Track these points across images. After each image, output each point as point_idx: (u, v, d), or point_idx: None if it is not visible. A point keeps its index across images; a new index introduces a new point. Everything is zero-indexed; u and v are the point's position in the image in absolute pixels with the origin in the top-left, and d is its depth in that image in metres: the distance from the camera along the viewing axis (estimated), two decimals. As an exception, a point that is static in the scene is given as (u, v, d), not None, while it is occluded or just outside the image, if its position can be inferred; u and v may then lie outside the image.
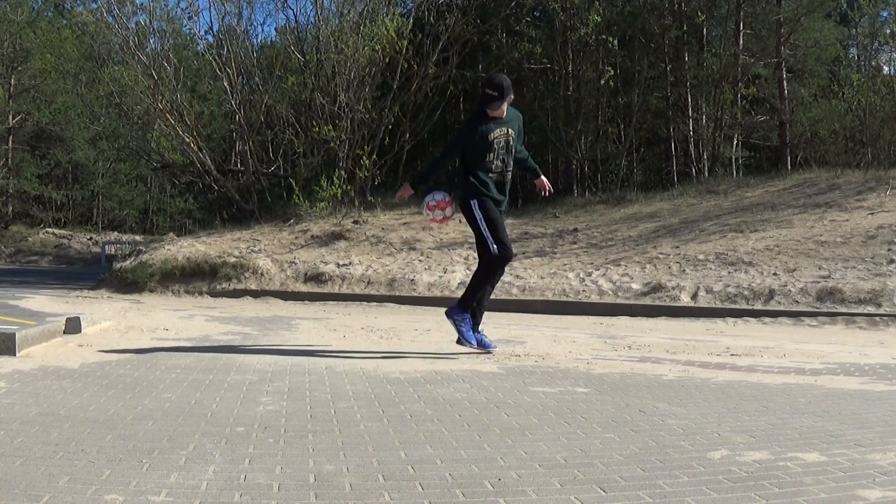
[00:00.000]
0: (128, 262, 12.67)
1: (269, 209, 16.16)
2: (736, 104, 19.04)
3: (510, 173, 4.80)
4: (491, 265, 4.75)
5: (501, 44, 19.03)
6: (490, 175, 4.70)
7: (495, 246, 4.67)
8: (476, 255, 5.04)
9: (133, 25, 16.84)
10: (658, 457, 2.56)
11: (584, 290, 9.29)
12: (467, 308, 4.76)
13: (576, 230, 12.66)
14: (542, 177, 5.15)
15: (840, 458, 2.56)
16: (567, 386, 3.89)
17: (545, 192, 5.14)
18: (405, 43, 15.20)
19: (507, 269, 5.07)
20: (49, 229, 30.39)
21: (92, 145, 31.75)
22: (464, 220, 4.98)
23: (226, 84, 16.78)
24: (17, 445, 2.57)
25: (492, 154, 4.67)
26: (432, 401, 3.45)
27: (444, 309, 4.91)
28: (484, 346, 4.88)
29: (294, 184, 14.62)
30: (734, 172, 19.73)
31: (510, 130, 4.74)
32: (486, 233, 4.68)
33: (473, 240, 4.95)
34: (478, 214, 4.68)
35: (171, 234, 18.03)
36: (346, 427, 2.93)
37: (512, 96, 4.72)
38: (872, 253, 9.14)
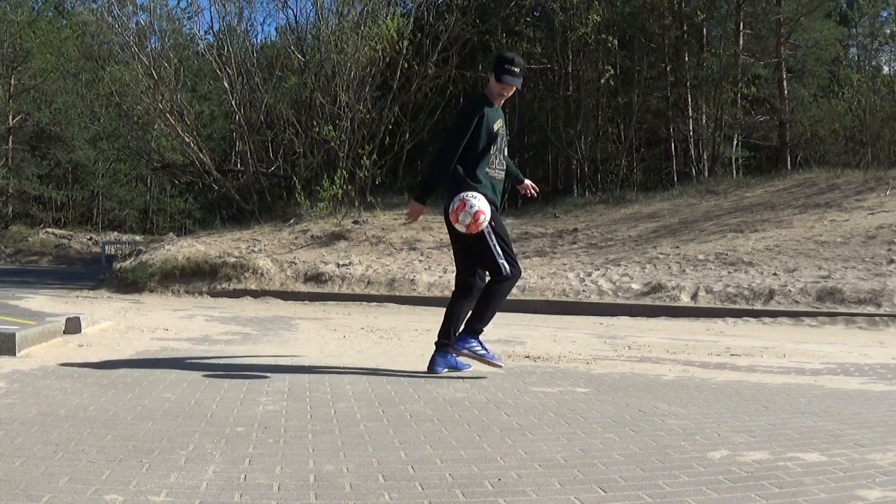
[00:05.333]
0: (128, 262, 12.67)
1: (269, 209, 16.16)
2: (736, 104, 19.06)
3: (503, 172, 4.15)
4: (505, 286, 4.00)
5: (501, 44, 19.02)
6: (490, 170, 4.01)
7: (507, 265, 3.95)
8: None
9: (133, 25, 16.87)
10: (658, 457, 2.56)
11: (584, 290, 9.29)
12: (477, 333, 4.04)
13: (576, 230, 12.67)
14: (525, 180, 4.51)
15: (840, 458, 2.56)
16: (567, 386, 3.89)
17: (530, 194, 4.49)
18: (405, 43, 15.22)
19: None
20: (49, 229, 30.39)
21: (92, 145, 31.75)
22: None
23: (226, 84, 16.79)
24: (17, 445, 2.56)
25: (494, 146, 3.99)
26: (432, 401, 3.44)
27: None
28: (456, 367, 4.20)
29: (296, 182, 14.63)
30: (734, 172, 19.75)
31: (504, 126, 4.13)
32: (497, 249, 3.94)
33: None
34: (487, 227, 3.93)
35: (171, 234, 18.02)
36: (346, 427, 2.92)
37: (520, 85, 4.10)
38: (872, 253, 9.14)
